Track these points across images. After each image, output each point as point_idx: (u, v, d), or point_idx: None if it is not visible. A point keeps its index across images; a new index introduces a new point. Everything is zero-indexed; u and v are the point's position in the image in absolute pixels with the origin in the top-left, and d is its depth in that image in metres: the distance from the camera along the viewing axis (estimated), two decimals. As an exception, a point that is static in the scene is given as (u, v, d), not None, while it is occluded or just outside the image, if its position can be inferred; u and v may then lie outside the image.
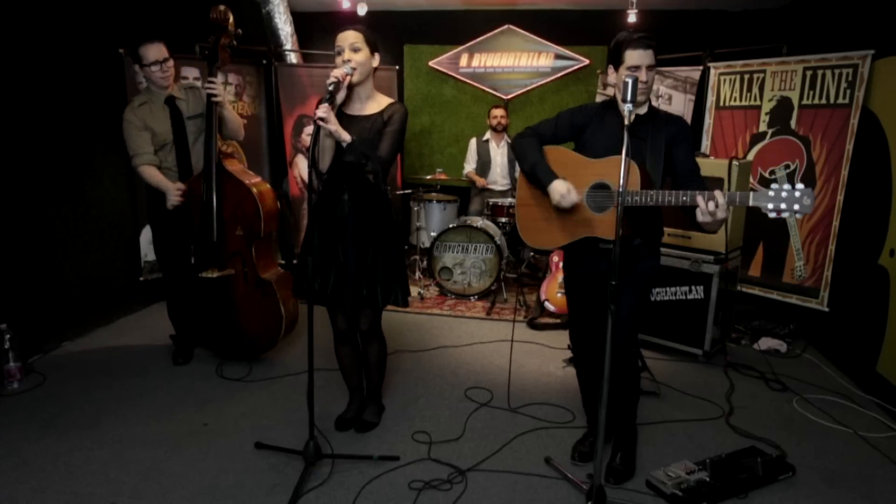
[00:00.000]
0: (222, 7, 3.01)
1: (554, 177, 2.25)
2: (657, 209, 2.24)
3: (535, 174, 2.30)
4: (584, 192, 2.23)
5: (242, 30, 3.22)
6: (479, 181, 5.36)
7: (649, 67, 2.14)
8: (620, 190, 1.90)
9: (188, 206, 3.06)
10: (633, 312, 2.29)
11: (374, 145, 2.31)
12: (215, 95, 2.95)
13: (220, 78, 3.07)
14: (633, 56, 2.12)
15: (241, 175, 3.08)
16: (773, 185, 1.84)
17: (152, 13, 4.35)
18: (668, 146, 2.19)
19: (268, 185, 3.18)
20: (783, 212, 1.83)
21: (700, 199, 1.94)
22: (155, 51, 2.97)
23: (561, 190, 2.21)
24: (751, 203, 1.87)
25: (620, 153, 1.91)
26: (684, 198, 1.98)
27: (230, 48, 3.09)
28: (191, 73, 4.58)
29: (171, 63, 3.03)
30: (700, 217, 1.97)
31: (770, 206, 1.84)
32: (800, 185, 1.81)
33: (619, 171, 1.90)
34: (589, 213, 2.22)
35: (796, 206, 1.81)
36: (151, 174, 3.03)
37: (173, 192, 3.00)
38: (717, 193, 1.91)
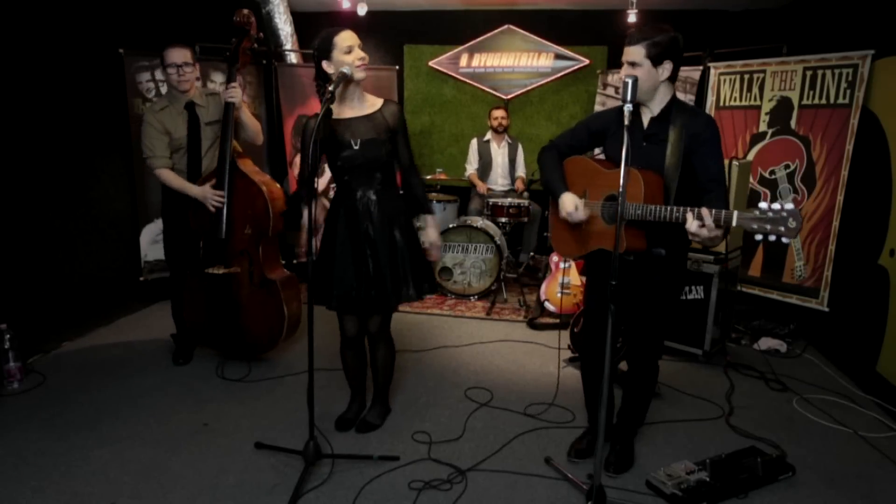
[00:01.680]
0: (246, 11, 3.08)
1: (562, 190, 2.26)
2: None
3: (548, 188, 2.33)
4: (600, 204, 2.22)
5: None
6: (481, 186, 5.34)
7: (631, 64, 2.06)
8: (619, 201, 1.86)
9: (201, 204, 3.08)
10: (661, 323, 2.31)
11: (380, 146, 2.36)
12: (233, 97, 3.02)
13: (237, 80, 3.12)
14: (624, 52, 2.10)
15: (253, 174, 3.12)
16: (761, 205, 1.72)
17: (152, 13, 4.35)
18: (687, 150, 2.07)
19: (278, 186, 3.21)
20: (768, 234, 1.71)
21: (689, 216, 1.87)
22: (175, 54, 3.03)
23: (568, 206, 2.22)
24: (734, 223, 1.78)
25: (637, 160, 1.87)
26: (676, 214, 1.91)
27: (251, 51, 3.18)
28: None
29: (189, 69, 3.07)
30: (690, 237, 1.89)
31: (755, 226, 1.73)
32: (788, 205, 1.69)
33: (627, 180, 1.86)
34: (603, 224, 2.21)
35: (781, 228, 1.69)
36: (171, 178, 3.09)
37: (211, 198, 3.03)
38: (704, 212, 1.83)
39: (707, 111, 4.46)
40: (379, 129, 2.37)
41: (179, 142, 3.12)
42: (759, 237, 1.75)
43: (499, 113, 5.36)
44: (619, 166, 2.15)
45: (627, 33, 2.11)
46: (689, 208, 1.89)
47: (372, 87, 4.10)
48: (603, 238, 2.20)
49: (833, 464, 2.50)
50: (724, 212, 1.81)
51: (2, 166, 3.27)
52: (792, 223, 1.68)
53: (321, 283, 2.45)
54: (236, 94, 3.01)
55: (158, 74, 4.32)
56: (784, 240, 1.71)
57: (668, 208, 1.94)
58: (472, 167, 5.47)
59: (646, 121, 2.17)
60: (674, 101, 2.16)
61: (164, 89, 4.34)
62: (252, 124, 3.20)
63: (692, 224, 1.85)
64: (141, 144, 3.09)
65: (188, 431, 2.65)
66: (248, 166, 3.16)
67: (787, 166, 4.01)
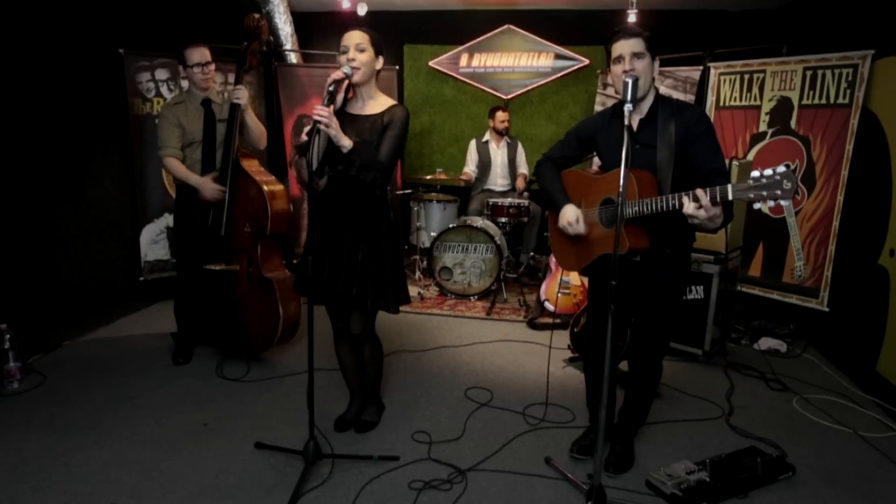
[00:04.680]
0: (257, 15, 3.17)
1: (564, 202, 2.26)
2: (683, 217, 2.21)
3: (550, 200, 2.33)
4: (597, 210, 2.22)
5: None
6: (465, 174, 5.43)
7: (636, 55, 2.04)
8: (619, 201, 1.85)
9: (207, 201, 3.13)
10: (666, 322, 2.31)
11: (373, 148, 2.29)
12: (239, 98, 3.09)
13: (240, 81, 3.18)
14: (616, 47, 2.08)
15: (255, 173, 3.15)
16: (754, 173, 1.70)
17: (151, 14, 4.35)
18: (681, 146, 2.06)
19: (282, 187, 3.21)
20: (766, 200, 1.70)
21: (685, 200, 1.86)
22: (197, 54, 3.14)
23: (570, 216, 2.21)
24: (730, 196, 1.77)
25: (630, 162, 1.85)
26: (672, 202, 1.91)
27: (260, 53, 3.25)
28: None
29: (212, 67, 3.20)
30: (689, 220, 1.88)
31: (751, 195, 1.72)
32: (780, 168, 1.68)
33: (619, 183, 1.85)
34: (602, 230, 2.21)
35: (777, 192, 1.67)
36: (176, 166, 3.18)
37: (209, 187, 3.10)
38: (699, 192, 1.82)
39: (707, 111, 4.46)
40: (373, 131, 2.34)
41: (193, 136, 3.20)
42: (757, 205, 1.74)
43: (503, 115, 5.36)
44: (610, 170, 2.16)
45: (616, 30, 2.10)
46: (684, 192, 1.88)
47: (374, 87, 4.07)
48: (605, 243, 2.19)
49: (833, 464, 2.50)
50: (718, 188, 1.80)
51: (2, 166, 3.27)
52: (787, 184, 1.67)
53: (307, 277, 2.45)
54: (242, 95, 3.09)
55: (158, 74, 4.33)
56: (783, 202, 1.70)
57: (664, 198, 1.94)
58: (467, 169, 5.49)
59: (635, 123, 2.15)
60: (658, 100, 2.16)
61: (163, 89, 4.34)
62: (257, 127, 3.27)
63: (689, 206, 1.84)
64: (158, 135, 3.20)
65: (188, 431, 2.65)
66: (251, 166, 3.20)
67: (787, 166, 4.00)
